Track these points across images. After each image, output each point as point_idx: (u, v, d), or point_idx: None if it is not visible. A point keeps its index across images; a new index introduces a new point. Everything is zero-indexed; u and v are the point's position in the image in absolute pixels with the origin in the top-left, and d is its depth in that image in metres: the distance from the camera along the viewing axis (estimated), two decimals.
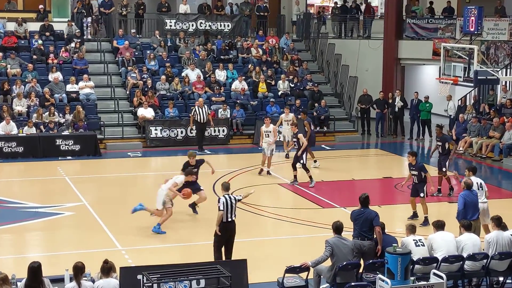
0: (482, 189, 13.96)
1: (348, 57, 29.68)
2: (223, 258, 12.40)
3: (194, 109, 23.92)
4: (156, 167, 23.05)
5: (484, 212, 13.67)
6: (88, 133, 23.61)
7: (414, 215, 15.88)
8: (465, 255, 11.30)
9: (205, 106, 24.12)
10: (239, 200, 12.75)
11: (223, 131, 25.06)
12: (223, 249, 12.58)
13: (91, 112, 24.83)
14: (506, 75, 24.57)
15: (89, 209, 16.82)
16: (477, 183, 13.87)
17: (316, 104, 26.89)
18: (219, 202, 12.41)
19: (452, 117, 26.04)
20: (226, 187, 12.77)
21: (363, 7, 32.66)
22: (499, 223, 11.64)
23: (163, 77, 26.30)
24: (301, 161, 18.92)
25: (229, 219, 12.46)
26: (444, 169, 18.04)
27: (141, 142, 24.55)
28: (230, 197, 12.48)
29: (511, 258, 11.42)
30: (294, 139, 19.28)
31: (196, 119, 23.65)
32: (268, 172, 20.29)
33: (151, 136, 24.54)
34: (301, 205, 17.66)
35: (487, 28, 26.40)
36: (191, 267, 10.54)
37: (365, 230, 11.52)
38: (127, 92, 26.16)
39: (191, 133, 24.64)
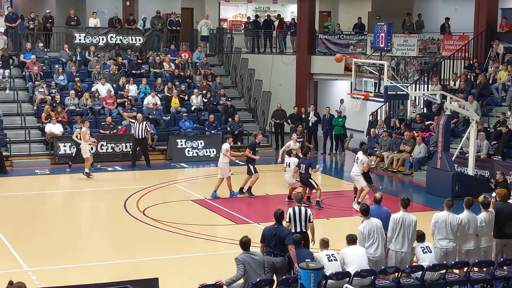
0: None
1: (261, 72, 29.73)
2: None
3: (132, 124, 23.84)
4: (65, 185, 22.34)
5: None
6: None
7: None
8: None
9: (144, 122, 23.69)
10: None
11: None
12: None
13: None
14: (415, 90, 25.09)
15: None
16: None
17: (229, 119, 26.76)
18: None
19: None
20: (298, 199, 13.05)
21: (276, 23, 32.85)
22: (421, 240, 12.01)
23: (72, 92, 25.63)
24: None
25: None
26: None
27: (49, 159, 23.79)
28: (299, 209, 12.52)
29: (422, 271, 11.50)
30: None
31: (133, 134, 23.55)
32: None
33: (60, 152, 23.81)
34: (215, 222, 17.43)
35: (396, 44, 27.03)
36: (100, 287, 10.20)
37: (278, 248, 11.37)
38: (35, 108, 25.37)
39: (102, 149, 24.13)
